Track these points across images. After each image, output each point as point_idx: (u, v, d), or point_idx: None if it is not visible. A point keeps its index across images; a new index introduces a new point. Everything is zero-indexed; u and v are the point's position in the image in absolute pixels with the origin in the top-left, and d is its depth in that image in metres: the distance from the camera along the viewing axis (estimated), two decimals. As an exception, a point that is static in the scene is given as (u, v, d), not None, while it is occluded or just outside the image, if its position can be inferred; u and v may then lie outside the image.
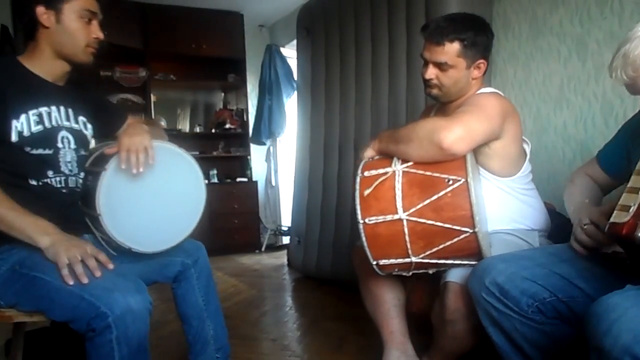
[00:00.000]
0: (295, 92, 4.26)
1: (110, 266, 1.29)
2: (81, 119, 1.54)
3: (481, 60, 1.64)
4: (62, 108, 1.48)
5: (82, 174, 1.51)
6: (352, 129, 3.25)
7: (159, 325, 2.53)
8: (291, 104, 4.79)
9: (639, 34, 1.13)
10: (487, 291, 1.26)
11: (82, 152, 1.53)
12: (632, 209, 1.00)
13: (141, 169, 1.42)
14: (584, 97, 2.29)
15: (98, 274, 1.23)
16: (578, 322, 1.16)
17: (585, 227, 1.25)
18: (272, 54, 4.91)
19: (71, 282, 1.22)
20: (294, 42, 4.05)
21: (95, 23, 1.46)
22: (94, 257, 1.27)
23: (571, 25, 2.33)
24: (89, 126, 1.57)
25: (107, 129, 1.66)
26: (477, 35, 1.60)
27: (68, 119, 1.50)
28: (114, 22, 4.39)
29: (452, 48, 1.58)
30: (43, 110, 1.43)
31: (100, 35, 1.47)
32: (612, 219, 1.04)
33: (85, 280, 1.21)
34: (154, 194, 1.50)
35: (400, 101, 2.86)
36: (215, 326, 1.70)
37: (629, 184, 1.05)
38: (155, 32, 4.68)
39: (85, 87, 1.61)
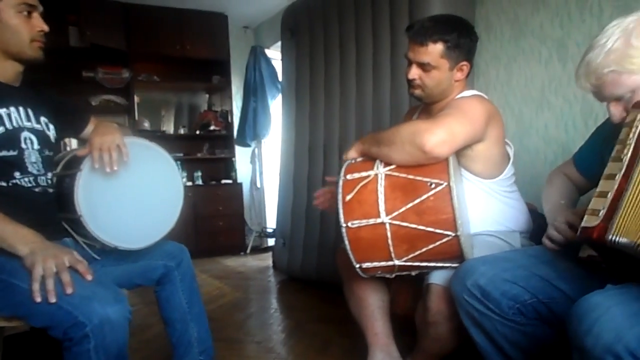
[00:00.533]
0: (280, 94, 4.26)
1: (89, 277, 1.25)
2: (42, 119, 1.52)
3: (464, 63, 1.64)
4: (21, 109, 1.45)
5: (49, 174, 1.49)
6: (337, 130, 3.26)
7: (142, 329, 2.51)
8: (276, 105, 4.79)
9: (601, 42, 1.15)
10: (469, 293, 1.26)
11: (47, 153, 1.50)
12: (602, 213, 1.02)
13: (115, 167, 1.41)
14: (564, 99, 2.32)
15: (69, 290, 1.19)
16: (558, 322, 1.18)
17: (556, 223, 1.26)
18: (256, 56, 4.90)
19: (38, 300, 1.18)
20: (279, 43, 4.05)
21: (36, 16, 1.43)
22: (70, 270, 1.23)
23: (552, 28, 2.35)
24: (51, 126, 1.55)
25: (69, 129, 1.65)
26: (460, 37, 1.61)
27: (29, 120, 1.47)
28: (97, 22, 4.37)
29: (435, 49, 1.59)
30: (2, 111, 1.40)
31: (44, 27, 1.44)
32: (583, 224, 1.05)
33: (52, 300, 1.17)
34: (133, 190, 1.51)
35: (384, 102, 2.87)
36: (199, 329, 1.70)
37: (598, 189, 1.07)
38: (138, 32, 4.63)
39: (44, 88, 1.58)
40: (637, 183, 1.00)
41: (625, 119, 1.12)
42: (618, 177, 1.03)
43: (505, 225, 1.66)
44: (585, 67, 1.17)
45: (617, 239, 0.98)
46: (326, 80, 3.36)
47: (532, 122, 2.47)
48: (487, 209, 1.64)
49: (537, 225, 1.74)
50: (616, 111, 1.18)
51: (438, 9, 2.42)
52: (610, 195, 1.02)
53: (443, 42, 1.58)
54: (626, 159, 1.04)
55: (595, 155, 1.40)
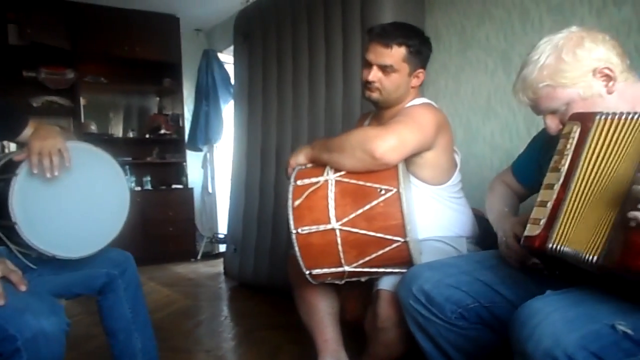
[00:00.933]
0: (232, 98, 4.21)
1: (23, 288, 1.20)
2: None
3: (421, 70, 1.68)
4: None
5: None
6: (289, 135, 3.25)
7: (84, 340, 2.41)
8: (228, 110, 4.73)
9: (534, 58, 1.19)
10: (414, 298, 1.28)
11: None
12: (542, 222, 1.05)
13: (56, 173, 1.35)
14: (509, 108, 2.39)
15: (1, 302, 1.13)
16: (500, 327, 1.21)
17: (508, 240, 1.28)
18: (209, 59, 4.84)
19: None
20: (232, 47, 4.01)
21: None
22: (2, 280, 1.17)
23: (497, 40, 2.43)
24: None
25: (5, 132, 1.57)
26: (421, 44, 1.65)
27: None
28: (38, 20, 4.21)
29: (398, 52, 1.61)
30: None
31: None
32: (525, 233, 1.09)
33: None
34: (75, 197, 1.45)
35: (336, 107, 2.88)
36: (143, 339, 1.65)
37: (538, 198, 1.10)
38: (84, 32, 4.48)
39: None
40: (574, 192, 1.04)
41: (562, 131, 1.16)
42: (556, 187, 1.07)
43: (452, 230, 1.69)
44: (522, 83, 1.22)
45: (558, 247, 1.01)
46: (279, 85, 3.35)
47: (479, 130, 2.54)
48: (434, 215, 1.67)
49: (483, 231, 1.78)
50: (552, 124, 1.23)
51: (390, 17, 2.45)
52: (549, 205, 1.06)
53: (406, 46, 1.61)
54: (564, 169, 1.08)
55: (532, 164, 1.45)
